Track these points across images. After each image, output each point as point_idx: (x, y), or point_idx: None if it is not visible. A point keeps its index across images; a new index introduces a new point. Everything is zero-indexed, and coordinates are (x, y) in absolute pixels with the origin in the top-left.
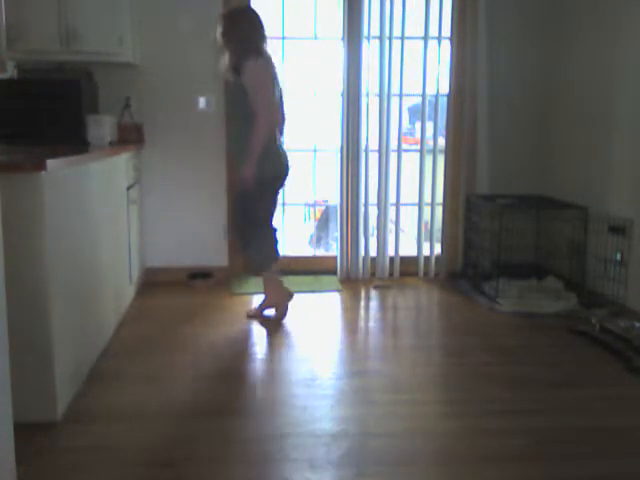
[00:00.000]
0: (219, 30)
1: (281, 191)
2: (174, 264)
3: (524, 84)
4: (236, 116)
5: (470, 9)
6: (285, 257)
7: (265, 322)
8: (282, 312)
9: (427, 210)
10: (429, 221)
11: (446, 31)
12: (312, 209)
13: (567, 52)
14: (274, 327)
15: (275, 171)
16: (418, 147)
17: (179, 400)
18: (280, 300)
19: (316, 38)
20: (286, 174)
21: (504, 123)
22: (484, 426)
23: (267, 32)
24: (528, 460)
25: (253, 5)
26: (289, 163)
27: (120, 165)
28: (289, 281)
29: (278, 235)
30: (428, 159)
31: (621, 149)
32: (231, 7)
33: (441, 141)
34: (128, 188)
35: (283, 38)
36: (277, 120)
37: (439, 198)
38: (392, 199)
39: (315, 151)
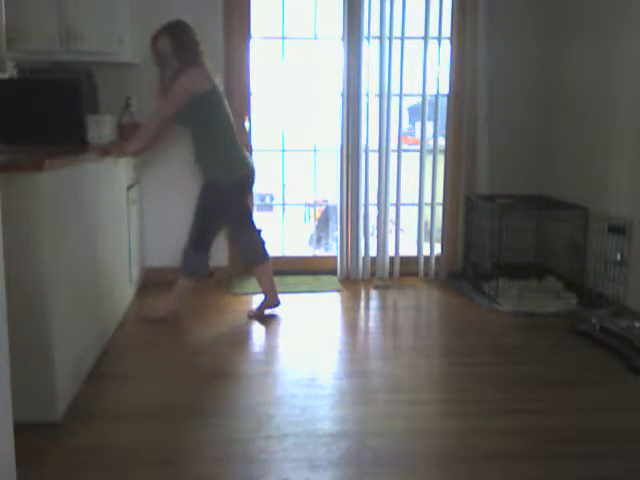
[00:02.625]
0: (164, 43)
1: (246, 194)
2: (174, 264)
3: (524, 84)
4: (185, 129)
5: (470, 9)
6: (285, 257)
7: (265, 319)
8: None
9: (427, 210)
10: (429, 221)
11: (446, 31)
12: (312, 209)
13: (567, 52)
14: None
15: (236, 177)
16: (418, 147)
17: (179, 400)
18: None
19: (316, 38)
20: (250, 180)
21: (504, 123)
22: (484, 426)
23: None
24: (528, 460)
25: (253, 6)
26: (253, 169)
27: (120, 165)
28: (289, 281)
29: (263, 236)
30: (428, 159)
31: (621, 149)
32: (168, 22)
33: (441, 141)
34: (128, 188)
35: (283, 38)
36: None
37: (439, 198)
38: (392, 199)
39: (315, 151)
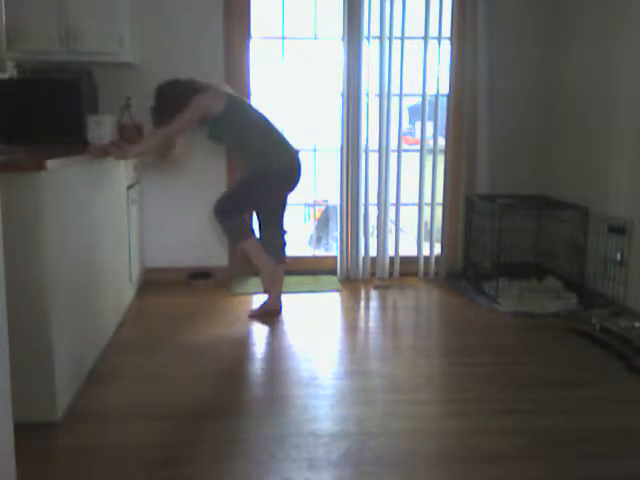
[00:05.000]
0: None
1: (288, 193)
2: (174, 264)
3: (524, 84)
4: (224, 143)
5: (470, 9)
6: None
7: (265, 319)
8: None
9: (427, 210)
10: (429, 221)
11: (446, 31)
12: (312, 209)
13: (567, 52)
14: (267, 318)
15: (276, 167)
16: (418, 147)
17: (179, 400)
18: (271, 289)
19: (316, 38)
20: (293, 175)
21: (504, 123)
22: (484, 426)
23: (190, 79)
24: (528, 460)
25: (253, 6)
26: (297, 164)
27: (120, 165)
28: (290, 281)
29: (286, 237)
30: (428, 159)
31: (621, 149)
32: (155, 93)
33: (441, 141)
34: (128, 188)
35: (283, 38)
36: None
37: (439, 198)
38: (392, 199)
39: (315, 151)
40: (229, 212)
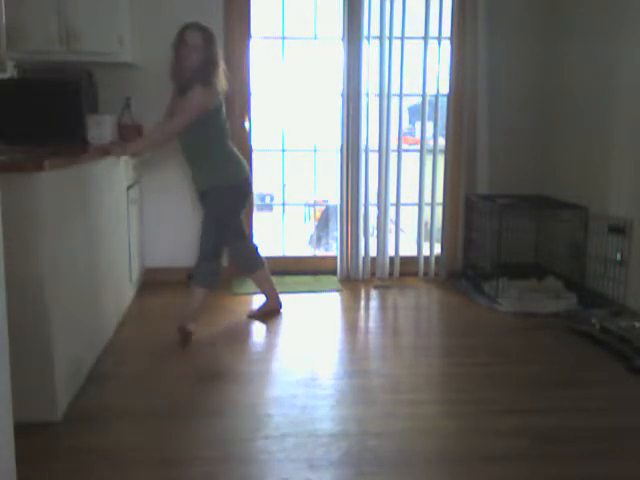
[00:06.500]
0: (195, 40)
1: (245, 200)
2: (174, 264)
3: (524, 84)
4: (181, 140)
5: (470, 9)
6: (285, 257)
7: (264, 319)
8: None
9: (427, 210)
10: (429, 221)
11: (446, 31)
12: (312, 209)
13: (567, 52)
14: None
15: (237, 179)
16: (418, 147)
17: (179, 400)
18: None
19: (316, 38)
20: (250, 184)
21: (504, 123)
22: (484, 426)
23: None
24: (528, 460)
25: (253, 6)
26: (250, 175)
27: (120, 165)
28: (289, 281)
29: (255, 241)
30: (428, 159)
31: (621, 149)
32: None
33: (441, 141)
34: (128, 188)
35: (283, 38)
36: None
37: (439, 198)
38: (392, 199)
39: (315, 151)
40: (216, 255)
